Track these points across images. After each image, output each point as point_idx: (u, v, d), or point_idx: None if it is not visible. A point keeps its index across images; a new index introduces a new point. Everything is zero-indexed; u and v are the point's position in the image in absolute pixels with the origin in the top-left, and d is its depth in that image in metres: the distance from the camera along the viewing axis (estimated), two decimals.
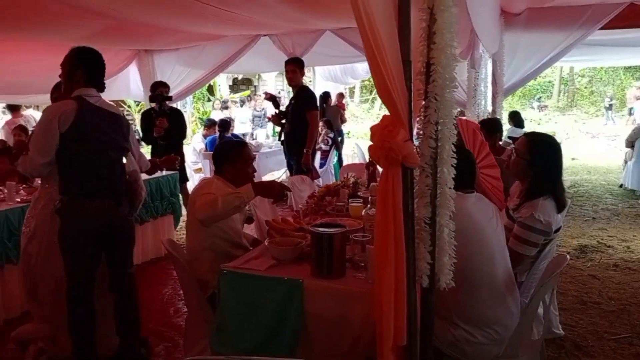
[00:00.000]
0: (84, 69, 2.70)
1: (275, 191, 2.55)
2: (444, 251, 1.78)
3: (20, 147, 2.97)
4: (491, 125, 4.12)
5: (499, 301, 2.18)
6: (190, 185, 6.28)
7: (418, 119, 1.75)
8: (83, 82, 2.70)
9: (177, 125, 5.58)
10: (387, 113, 1.66)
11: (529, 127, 10.22)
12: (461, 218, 1.86)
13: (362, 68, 9.80)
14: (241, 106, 14.65)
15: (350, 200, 2.93)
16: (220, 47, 5.98)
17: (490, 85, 5.92)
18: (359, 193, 3.35)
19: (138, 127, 6.39)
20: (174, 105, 6.09)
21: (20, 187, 4.15)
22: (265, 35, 5.71)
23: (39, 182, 4.24)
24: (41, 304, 3.02)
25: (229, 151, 2.82)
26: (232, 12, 3.98)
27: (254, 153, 3.79)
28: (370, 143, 1.76)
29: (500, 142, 4.25)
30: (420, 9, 1.68)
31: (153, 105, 5.49)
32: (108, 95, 8.16)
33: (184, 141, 6.04)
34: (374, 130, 1.74)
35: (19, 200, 3.92)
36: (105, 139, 2.73)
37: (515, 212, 2.50)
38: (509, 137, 6.65)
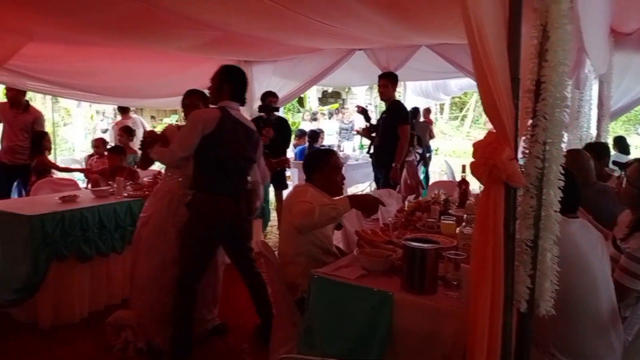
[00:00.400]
0: (231, 85, 3.09)
1: (370, 205, 2.59)
2: (545, 276, 1.71)
3: (152, 137, 3.32)
4: (599, 150, 3.90)
5: (600, 335, 2.05)
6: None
7: (524, 137, 1.71)
8: (228, 96, 3.08)
9: (282, 134, 5.87)
10: (479, 131, 1.65)
11: (634, 154, 9.51)
12: (564, 244, 1.78)
13: (455, 84, 9.64)
14: (329, 118, 14.88)
15: (442, 218, 2.89)
16: (317, 60, 6.13)
17: (595, 107, 5.59)
18: (450, 211, 3.29)
19: None
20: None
21: (128, 183, 4.48)
22: (360, 50, 5.78)
23: (145, 179, 4.58)
24: (141, 289, 3.26)
25: (318, 160, 2.89)
26: (334, 27, 4.08)
27: None
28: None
29: (607, 168, 4.01)
30: (532, 26, 1.65)
31: (261, 114, 5.74)
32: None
33: None
34: (477, 146, 1.72)
35: (126, 195, 4.24)
36: (239, 148, 3.08)
37: (624, 242, 2.35)
38: (614, 163, 6.23)
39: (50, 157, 6.95)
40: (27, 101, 5.59)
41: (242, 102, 3.19)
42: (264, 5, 3.29)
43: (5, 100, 5.55)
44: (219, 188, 3.03)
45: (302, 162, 6.73)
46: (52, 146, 7.52)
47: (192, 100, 3.56)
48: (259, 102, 6.43)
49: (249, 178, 3.27)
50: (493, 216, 1.68)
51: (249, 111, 6.73)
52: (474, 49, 1.51)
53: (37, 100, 13.98)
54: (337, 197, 2.71)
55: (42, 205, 3.83)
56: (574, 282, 2.00)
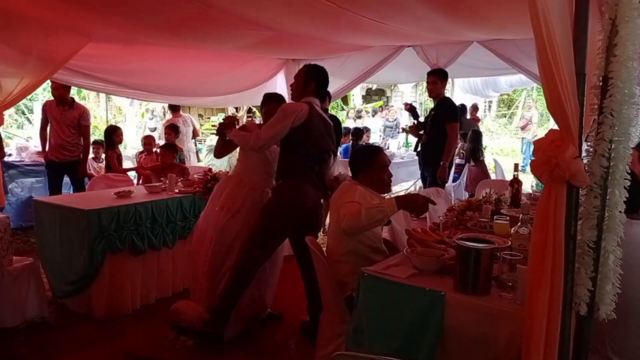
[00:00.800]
0: (316, 83, 3.35)
1: (418, 205, 2.54)
2: (607, 279, 1.66)
3: (231, 120, 3.58)
4: None
5: None
6: None
7: (588, 135, 1.65)
8: (314, 92, 3.32)
9: (335, 133, 5.91)
10: (535, 132, 1.60)
11: None
12: (628, 245, 1.71)
13: (505, 81, 9.40)
14: (373, 116, 14.81)
15: (495, 217, 2.82)
16: (364, 58, 6.09)
17: None
18: (501, 210, 3.21)
19: None
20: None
21: (179, 180, 4.59)
22: (409, 46, 5.72)
23: (196, 176, 4.67)
24: (221, 278, 3.39)
25: (365, 157, 2.85)
26: (386, 24, 4.05)
27: None
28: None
29: None
30: (600, 20, 1.59)
31: None
32: (254, 101, 8.71)
33: None
34: (539, 144, 1.67)
35: (177, 191, 4.34)
36: (323, 141, 3.29)
37: None
38: None
39: (104, 155, 7.21)
40: (72, 98, 5.73)
41: (323, 98, 3.46)
42: (318, 4, 3.29)
43: (51, 98, 5.72)
44: (305, 176, 3.23)
45: (346, 159, 6.75)
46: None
47: (272, 106, 3.62)
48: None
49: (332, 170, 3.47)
50: (553, 216, 1.64)
51: None
52: (540, 42, 1.46)
53: (91, 99, 14.56)
54: (385, 198, 2.68)
55: (98, 200, 3.97)
56: (636, 285, 1.92)
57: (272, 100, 3.67)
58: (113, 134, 6.20)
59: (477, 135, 7.34)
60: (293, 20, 4.04)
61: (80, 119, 5.58)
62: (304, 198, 3.24)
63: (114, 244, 3.72)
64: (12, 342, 3.37)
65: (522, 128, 13.33)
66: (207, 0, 3.29)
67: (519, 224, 2.35)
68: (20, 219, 5.89)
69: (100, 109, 13.49)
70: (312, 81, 3.35)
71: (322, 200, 3.53)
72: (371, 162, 2.79)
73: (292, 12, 3.73)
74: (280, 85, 7.05)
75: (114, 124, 8.80)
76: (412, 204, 2.55)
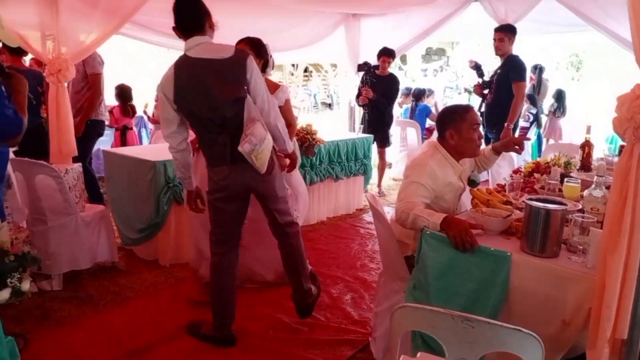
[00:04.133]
0: (173, 16, 2.62)
1: (459, 237, 2.08)
2: None
3: None
4: None
5: None
6: None
7: None
8: (179, 32, 2.63)
9: (388, 91, 5.83)
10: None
11: None
12: None
13: (577, 40, 8.85)
14: (434, 76, 14.41)
15: (565, 180, 2.71)
16: (428, 13, 5.88)
17: None
18: (571, 174, 3.08)
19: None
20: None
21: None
22: (476, 1, 5.46)
23: None
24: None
25: (454, 114, 2.61)
26: None
27: None
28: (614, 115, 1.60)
29: None
30: None
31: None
32: (312, 58, 8.58)
33: None
34: (623, 100, 1.57)
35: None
36: (209, 94, 2.64)
37: None
38: None
39: None
40: None
41: (197, 30, 2.57)
42: None
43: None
44: (208, 154, 2.74)
45: (409, 120, 6.61)
46: None
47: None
48: (364, 57, 6.38)
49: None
50: (635, 177, 1.56)
51: (354, 67, 6.69)
52: None
53: (152, 54, 14.87)
54: (459, 168, 2.58)
55: (165, 151, 4.08)
56: None
57: (242, 42, 3.29)
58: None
59: (561, 93, 7.58)
60: None
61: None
62: (211, 178, 2.78)
63: (179, 195, 3.85)
64: (85, 282, 3.60)
65: None
66: None
67: (593, 186, 2.25)
68: None
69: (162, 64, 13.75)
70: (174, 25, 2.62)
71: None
72: (460, 120, 2.54)
73: None
74: (340, 41, 6.93)
75: None
76: (453, 230, 2.10)
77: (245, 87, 2.58)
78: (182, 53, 2.64)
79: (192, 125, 2.75)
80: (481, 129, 5.45)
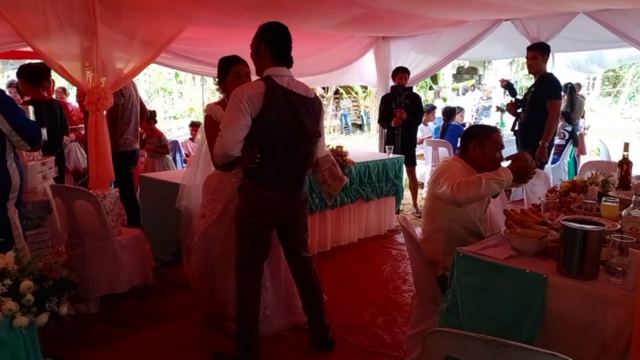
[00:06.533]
0: (269, 45, 2.66)
1: (528, 172, 2.48)
2: None
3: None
4: None
5: None
6: None
7: None
8: (270, 59, 2.67)
9: (414, 111, 5.86)
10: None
11: None
12: None
13: (613, 56, 8.66)
14: (464, 94, 14.32)
15: (603, 199, 2.63)
16: (458, 33, 5.87)
17: None
18: (609, 192, 2.99)
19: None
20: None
21: None
22: (507, 20, 5.43)
23: None
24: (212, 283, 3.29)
25: (481, 130, 2.77)
26: None
27: None
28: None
29: None
30: None
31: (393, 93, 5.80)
32: (343, 81, 8.67)
33: None
34: None
35: None
36: (288, 126, 2.74)
37: None
38: None
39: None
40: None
41: (289, 63, 2.67)
42: None
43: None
44: (266, 177, 2.66)
45: (440, 139, 6.58)
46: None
47: (242, 68, 3.11)
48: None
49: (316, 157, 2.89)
50: None
51: (384, 89, 6.73)
52: None
53: (187, 82, 15.32)
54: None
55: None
56: None
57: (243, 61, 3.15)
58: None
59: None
60: None
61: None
62: (262, 204, 2.70)
63: None
64: (121, 304, 3.66)
65: None
66: None
67: (632, 205, 2.18)
68: None
69: (196, 92, 14.16)
70: (262, 46, 2.65)
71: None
72: (486, 137, 2.67)
73: None
74: (370, 64, 6.99)
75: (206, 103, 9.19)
76: (525, 172, 2.47)
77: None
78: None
79: (259, 145, 2.60)
80: (515, 148, 5.48)
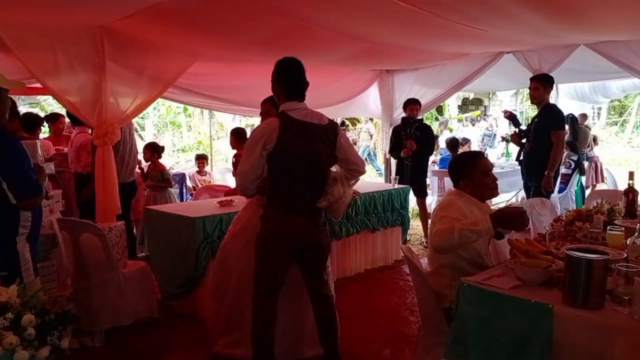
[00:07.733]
0: (283, 83, 2.80)
1: (517, 223, 2.37)
2: None
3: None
4: None
5: None
6: None
7: None
8: (284, 96, 2.80)
9: (425, 141, 5.88)
10: None
11: None
12: None
13: (616, 86, 8.73)
14: (473, 125, 14.40)
15: (608, 228, 2.62)
16: (461, 66, 5.95)
17: None
18: (615, 221, 2.97)
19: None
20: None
21: None
22: (508, 52, 5.50)
23: None
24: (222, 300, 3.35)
25: (465, 163, 2.70)
26: (484, 30, 3.93)
27: None
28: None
29: None
30: None
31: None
32: (347, 113, 8.75)
33: None
34: None
35: None
36: (305, 158, 2.86)
37: None
38: None
39: (207, 168, 7.64)
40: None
41: (302, 97, 2.78)
42: (414, 14, 3.26)
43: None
44: (287, 204, 2.78)
45: (443, 169, 6.54)
46: (210, 157, 8.25)
47: (265, 107, 3.40)
48: (399, 111, 6.48)
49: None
50: None
51: (389, 120, 6.80)
52: None
53: (196, 116, 15.52)
54: (486, 211, 2.55)
55: (203, 208, 4.19)
56: None
57: (266, 102, 3.40)
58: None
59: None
60: (389, 31, 4.03)
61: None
62: (284, 230, 2.79)
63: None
64: (125, 337, 3.63)
65: None
66: (300, 14, 3.37)
67: (637, 234, 2.17)
68: None
69: (204, 125, 14.33)
70: (276, 84, 2.79)
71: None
72: (472, 168, 2.63)
73: (388, 23, 3.72)
74: (374, 97, 7.08)
75: (216, 139, 9.25)
76: (509, 221, 2.36)
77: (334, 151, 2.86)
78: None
79: (278, 175, 2.77)
80: (521, 177, 5.47)
